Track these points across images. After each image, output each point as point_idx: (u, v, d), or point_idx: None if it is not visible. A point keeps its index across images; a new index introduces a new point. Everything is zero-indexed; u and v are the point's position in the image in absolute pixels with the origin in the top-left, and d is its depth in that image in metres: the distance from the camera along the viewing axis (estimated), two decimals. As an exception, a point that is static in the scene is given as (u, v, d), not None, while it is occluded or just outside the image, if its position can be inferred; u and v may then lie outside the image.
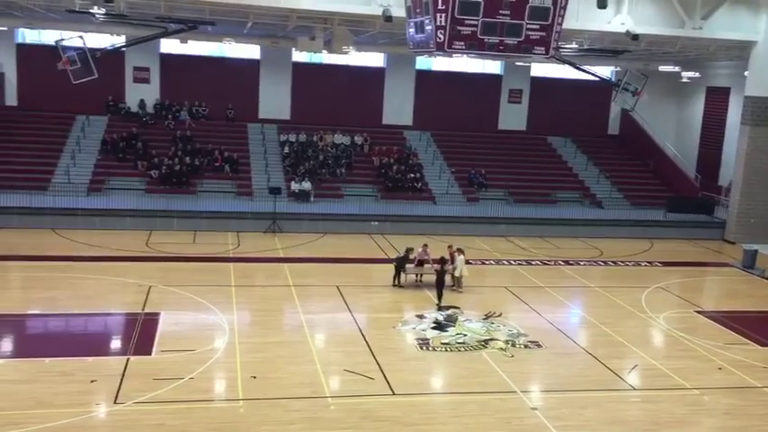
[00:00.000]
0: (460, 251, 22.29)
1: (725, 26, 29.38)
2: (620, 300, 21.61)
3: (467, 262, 22.17)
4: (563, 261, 26.19)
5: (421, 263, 22.18)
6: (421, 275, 22.21)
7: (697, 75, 37.81)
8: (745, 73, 31.84)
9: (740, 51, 31.66)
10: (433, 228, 28.90)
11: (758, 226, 30.04)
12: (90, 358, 14.98)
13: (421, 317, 19.08)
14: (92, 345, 16.02)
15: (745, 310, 21.82)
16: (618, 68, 37.99)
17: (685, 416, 14.01)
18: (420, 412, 13.41)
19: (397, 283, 22.05)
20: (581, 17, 26.88)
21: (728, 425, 13.77)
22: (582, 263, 26.09)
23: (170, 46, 35.40)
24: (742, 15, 29.80)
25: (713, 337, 18.69)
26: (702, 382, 15.68)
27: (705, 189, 36.68)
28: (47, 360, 14.71)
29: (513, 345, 17.41)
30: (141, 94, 36.12)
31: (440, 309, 19.87)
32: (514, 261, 25.77)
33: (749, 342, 18.54)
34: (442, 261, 21.24)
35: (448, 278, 21.67)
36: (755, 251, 27.27)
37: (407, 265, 21.82)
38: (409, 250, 21.87)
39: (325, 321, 18.59)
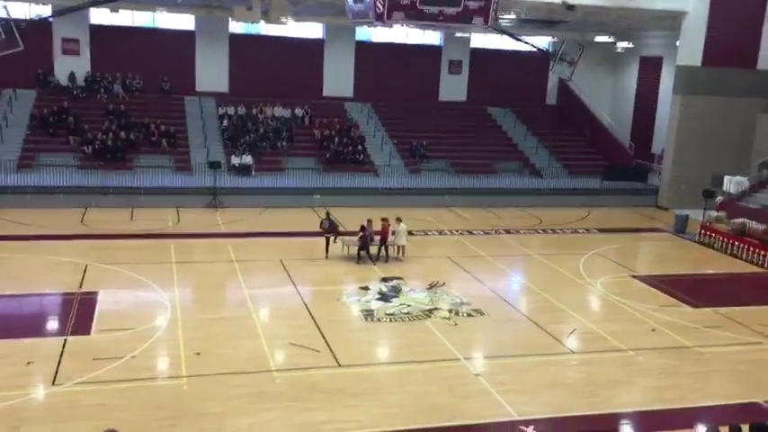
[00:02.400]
0: (399, 220, 22.42)
1: (657, -3, 31.45)
2: (559, 266, 21.97)
3: (408, 233, 22.47)
4: (504, 230, 26.46)
5: (363, 235, 21.68)
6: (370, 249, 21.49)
7: (631, 45, 38.38)
8: (677, 43, 32.44)
9: (672, 21, 32.11)
10: (376, 200, 28.74)
11: (689, 192, 30.53)
12: (26, 340, 14.52)
13: (365, 288, 19.07)
14: (27, 326, 15.54)
15: (677, 273, 22.33)
16: (555, 39, 38.23)
17: (622, 376, 14.36)
18: (366, 382, 13.44)
19: (326, 254, 21.47)
20: (519, -13, 28.41)
21: (663, 383, 14.13)
22: (522, 231, 26.43)
23: (100, 16, 34.13)
24: (673, -15, 31.84)
25: (647, 301, 19.16)
26: (637, 344, 16.03)
27: (639, 157, 37.59)
28: (-21, 343, 14.99)
29: (457, 313, 17.63)
30: (71, 67, 34.71)
31: (383, 280, 19.69)
32: (457, 231, 25.94)
33: (681, 304, 19.02)
34: (361, 229, 21.10)
35: (392, 250, 22.06)
36: (686, 216, 28.07)
37: (347, 237, 21.95)
38: (327, 218, 21.42)
39: (269, 296, 18.35)
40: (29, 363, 13.49)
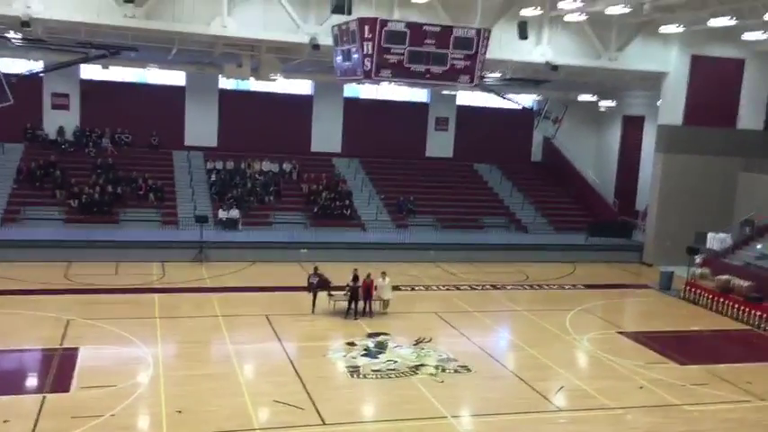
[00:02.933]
0: (384, 274, 22.37)
1: (638, 58, 30.60)
2: (545, 322, 21.83)
3: (394, 288, 22.31)
4: (491, 285, 26.38)
5: (353, 288, 21.17)
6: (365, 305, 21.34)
7: (614, 104, 39.04)
8: (658, 102, 32.94)
9: (653, 82, 32.73)
10: (363, 254, 28.26)
11: (673, 248, 30.49)
12: (2, 397, 14.14)
13: (351, 344, 18.85)
14: (4, 383, 15.16)
15: (663, 330, 22.24)
16: (539, 97, 38.90)
17: (609, 435, 14.89)
18: (351, 441, 13.83)
19: (312, 309, 21.07)
20: (504, 47, 27.52)
21: (651, 442, 14.70)
22: (509, 287, 26.29)
23: (91, 72, 34.45)
24: (654, 47, 30.95)
25: (634, 357, 18.93)
26: (625, 402, 15.88)
27: (623, 213, 37.90)
28: (-45, 401, 14.62)
29: (444, 370, 17.44)
30: (60, 121, 34.88)
31: (369, 335, 19.56)
32: (443, 286, 25.87)
33: (668, 361, 18.84)
34: (354, 279, 20.97)
35: (376, 305, 21.43)
36: (671, 273, 28.03)
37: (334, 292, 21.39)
38: (315, 273, 21.31)
39: (254, 352, 18.13)
40: (5, 421, 13.10)
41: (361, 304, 21.36)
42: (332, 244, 29.48)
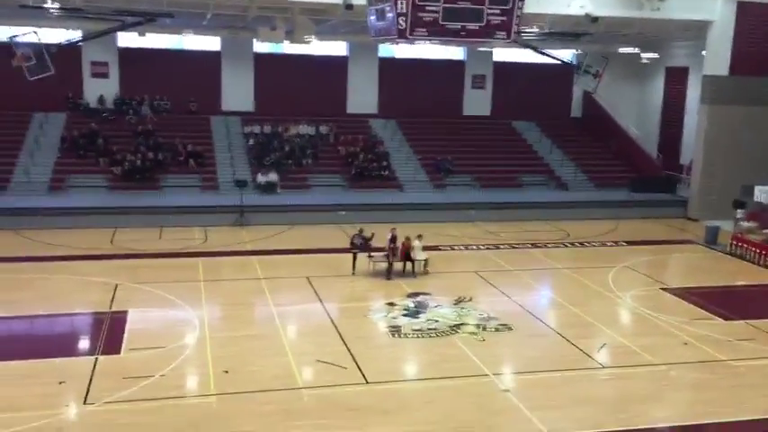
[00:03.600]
0: (420, 237, 21.64)
1: (682, 6, 29.54)
2: (587, 280, 21.46)
3: (431, 248, 22.00)
4: (531, 244, 25.97)
5: (391, 249, 21.11)
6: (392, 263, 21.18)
7: (656, 55, 37.86)
8: (703, 52, 31.98)
9: (697, 31, 31.74)
10: (402, 215, 27.87)
11: (719, 202, 29.87)
12: (57, 359, 14.59)
13: (392, 304, 18.79)
14: (58, 346, 15.62)
15: (708, 285, 21.77)
16: (579, 51, 37.80)
17: (654, 391, 14.02)
18: (394, 399, 13.22)
19: (353, 270, 21.19)
20: (541, 0, 26.75)
21: (696, 398, 13.88)
22: (549, 245, 25.85)
23: (128, 39, 34.66)
24: (698, -5, 31.71)
25: (678, 314, 18.66)
26: (669, 358, 15.65)
27: (667, 168, 36.82)
28: (12, 363, 14.31)
29: (484, 329, 17.18)
30: (100, 90, 35.23)
31: (410, 295, 19.45)
32: (483, 246, 25.52)
33: (713, 317, 18.50)
34: (392, 240, 20.76)
35: (416, 265, 21.37)
36: (717, 227, 27.55)
37: (374, 254, 21.37)
38: (360, 234, 21.22)
39: (296, 313, 18.14)
40: (60, 382, 13.52)
41: (399, 265, 21.21)
42: (370, 205, 29.10)
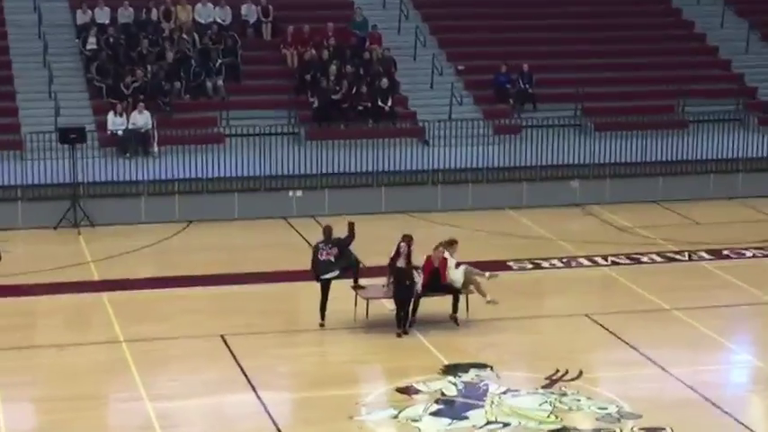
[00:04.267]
0: (450, 244, 18.43)
1: None
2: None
3: (468, 265, 18.59)
4: (707, 251, 22.67)
5: (400, 270, 17.86)
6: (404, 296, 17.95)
7: None
8: None
9: None
10: (422, 198, 24.22)
11: None
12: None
13: (408, 390, 15.10)
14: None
15: None
16: None
17: None
18: None
19: (322, 319, 18.08)
20: None
21: None
22: (749, 253, 22.84)
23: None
24: None
25: None
26: None
27: None
28: None
29: None
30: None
31: (447, 370, 15.78)
32: (603, 257, 21.10)
33: None
34: (396, 254, 16.93)
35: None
36: None
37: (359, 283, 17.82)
38: (332, 240, 18.37)
39: (200, 414, 13.53)
40: None
41: (424, 301, 17.47)
42: (354, 177, 24.36)
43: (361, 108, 28.37)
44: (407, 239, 18.59)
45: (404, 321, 18.62)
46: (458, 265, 19.19)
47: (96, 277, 22.28)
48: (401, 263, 18.45)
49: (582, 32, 33.61)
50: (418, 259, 19.30)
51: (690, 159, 28.67)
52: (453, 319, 18.87)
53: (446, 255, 19.01)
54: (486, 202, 26.25)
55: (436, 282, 18.69)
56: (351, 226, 18.86)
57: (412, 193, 26.31)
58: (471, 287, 19.06)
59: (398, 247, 18.56)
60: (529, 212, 26.60)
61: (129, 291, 21.56)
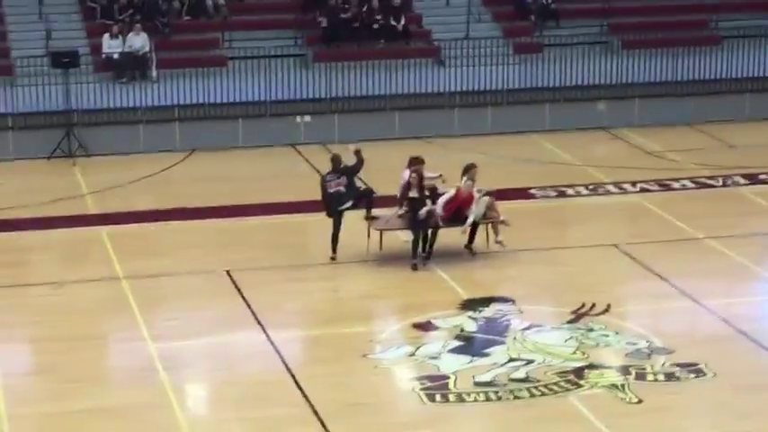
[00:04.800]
0: (467, 171, 18.33)
1: None
2: None
3: (488, 194, 18.47)
4: (743, 176, 22.50)
5: (412, 200, 17.81)
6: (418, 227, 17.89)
7: None
8: None
9: None
10: (439, 121, 24.52)
11: None
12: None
13: (426, 326, 15.22)
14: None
15: None
16: None
17: None
18: None
19: (334, 252, 18.05)
20: None
21: None
22: None
23: None
24: None
25: None
26: None
27: None
28: None
29: (642, 376, 13.27)
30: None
31: (466, 305, 15.77)
32: (633, 183, 21.61)
33: None
34: (411, 183, 18.16)
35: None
36: None
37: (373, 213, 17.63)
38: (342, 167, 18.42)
39: (205, 355, 13.44)
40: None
41: (443, 233, 16.59)
42: (366, 101, 24.53)
43: (372, 27, 28.60)
44: (416, 166, 18.84)
45: (420, 253, 18.88)
46: (480, 193, 19.32)
47: (93, 210, 22.19)
48: (414, 193, 18.59)
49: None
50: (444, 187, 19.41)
51: (724, 78, 28.44)
52: (469, 249, 18.95)
53: (474, 190, 19.15)
54: (506, 126, 26.09)
55: (458, 213, 18.79)
56: (357, 153, 19.07)
57: (427, 117, 26.14)
58: (489, 215, 19.22)
59: (409, 178, 18.69)
60: (553, 136, 26.41)
61: (127, 224, 21.43)
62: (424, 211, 18.35)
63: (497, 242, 18.79)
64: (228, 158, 25.69)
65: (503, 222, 18.87)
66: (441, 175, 19.28)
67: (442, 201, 18.46)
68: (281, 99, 26.27)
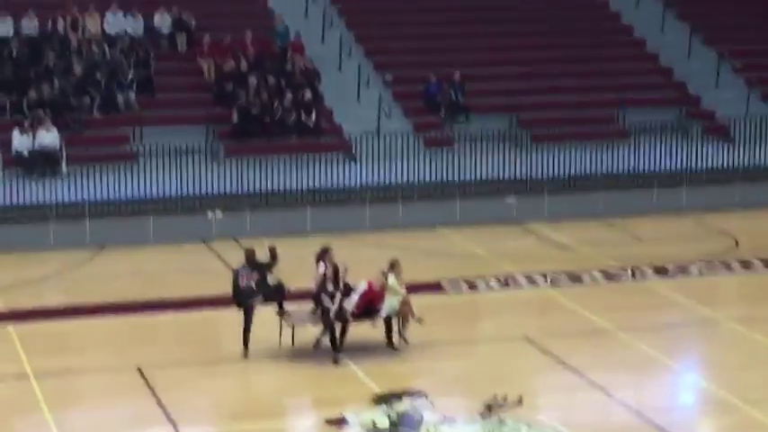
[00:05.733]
0: (393, 267, 18.61)
1: None
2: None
3: (406, 288, 18.70)
4: (651, 267, 23.12)
5: (328, 293, 17.95)
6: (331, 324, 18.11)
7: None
8: None
9: None
10: (352, 218, 24.77)
11: None
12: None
13: (339, 421, 15.68)
14: None
15: None
16: None
17: None
18: None
19: (245, 348, 18.25)
20: None
21: None
22: (693, 269, 23.27)
23: None
24: None
25: None
26: None
27: None
28: None
29: None
30: None
31: (379, 400, 15.97)
32: (542, 276, 21.90)
33: None
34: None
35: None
36: None
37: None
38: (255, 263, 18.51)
39: None
40: None
41: (355, 329, 17.69)
42: (277, 196, 24.78)
43: (283, 122, 28.77)
44: (327, 254, 19.40)
45: (334, 347, 19.39)
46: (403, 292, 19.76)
47: (1, 307, 22.09)
48: (329, 287, 19.14)
49: (516, 39, 34.18)
50: (358, 278, 19.83)
51: (632, 173, 29.28)
52: (390, 345, 19.42)
53: (390, 280, 19.49)
54: (417, 220, 26.39)
55: (370, 307, 19.27)
56: (272, 251, 19.34)
57: (339, 211, 26.48)
58: (402, 311, 19.72)
59: (325, 271, 19.15)
60: (463, 230, 26.82)
61: (37, 321, 21.41)
62: (335, 305, 18.80)
63: (402, 337, 19.31)
64: (139, 254, 25.69)
65: (418, 320, 19.25)
66: (346, 270, 19.60)
67: (354, 296, 18.79)
68: (193, 195, 26.59)
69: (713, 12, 35.13)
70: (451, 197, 28.04)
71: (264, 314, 19.44)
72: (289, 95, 29.09)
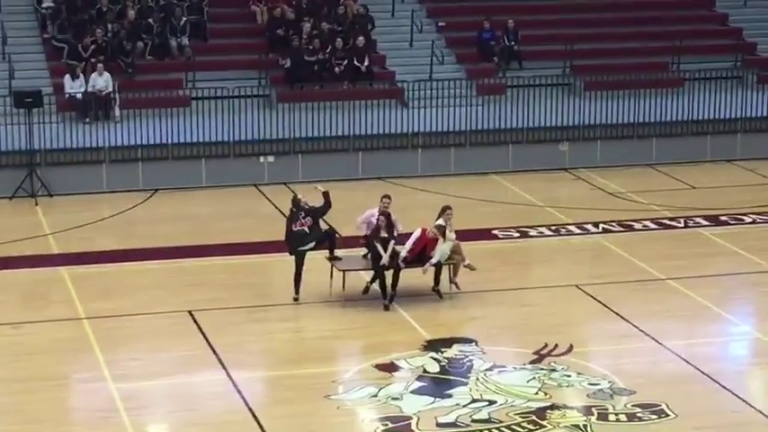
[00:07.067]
0: (444, 213, 18.22)
1: None
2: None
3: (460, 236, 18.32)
4: (705, 217, 22.74)
5: (381, 240, 17.72)
6: (379, 271, 17.78)
7: None
8: None
9: None
10: (405, 163, 24.90)
11: None
12: None
13: (388, 368, 15.51)
14: None
15: None
16: None
17: None
18: None
19: (296, 293, 18.03)
20: None
21: None
22: (749, 218, 22.83)
23: None
24: None
25: None
26: None
27: None
28: None
29: (604, 416, 13.81)
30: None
31: (429, 346, 15.93)
32: (594, 225, 21.90)
33: None
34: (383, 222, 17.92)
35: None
36: None
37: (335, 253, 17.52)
38: (299, 206, 18.16)
39: (167, 395, 13.46)
40: None
41: (407, 273, 17.08)
42: (329, 141, 24.68)
43: (336, 68, 28.46)
44: (384, 207, 18.91)
45: (385, 294, 19.10)
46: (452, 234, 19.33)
47: (55, 250, 21.96)
48: (383, 233, 18.91)
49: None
50: (407, 224, 19.44)
51: (685, 120, 28.60)
52: (437, 291, 18.89)
53: (442, 232, 19.21)
54: (469, 167, 26.22)
55: (423, 254, 18.86)
56: (326, 195, 18.95)
57: (391, 157, 26.23)
58: (453, 258, 19.21)
59: (378, 221, 18.79)
60: (515, 177, 26.55)
61: (90, 265, 21.21)
62: (388, 252, 18.45)
63: (453, 282, 18.99)
64: (191, 198, 25.72)
65: (468, 266, 18.76)
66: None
67: (408, 242, 18.48)
68: (245, 139, 26.24)
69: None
70: (504, 144, 27.79)
71: (316, 259, 19.29)
72: (341, 41, 28.67)
